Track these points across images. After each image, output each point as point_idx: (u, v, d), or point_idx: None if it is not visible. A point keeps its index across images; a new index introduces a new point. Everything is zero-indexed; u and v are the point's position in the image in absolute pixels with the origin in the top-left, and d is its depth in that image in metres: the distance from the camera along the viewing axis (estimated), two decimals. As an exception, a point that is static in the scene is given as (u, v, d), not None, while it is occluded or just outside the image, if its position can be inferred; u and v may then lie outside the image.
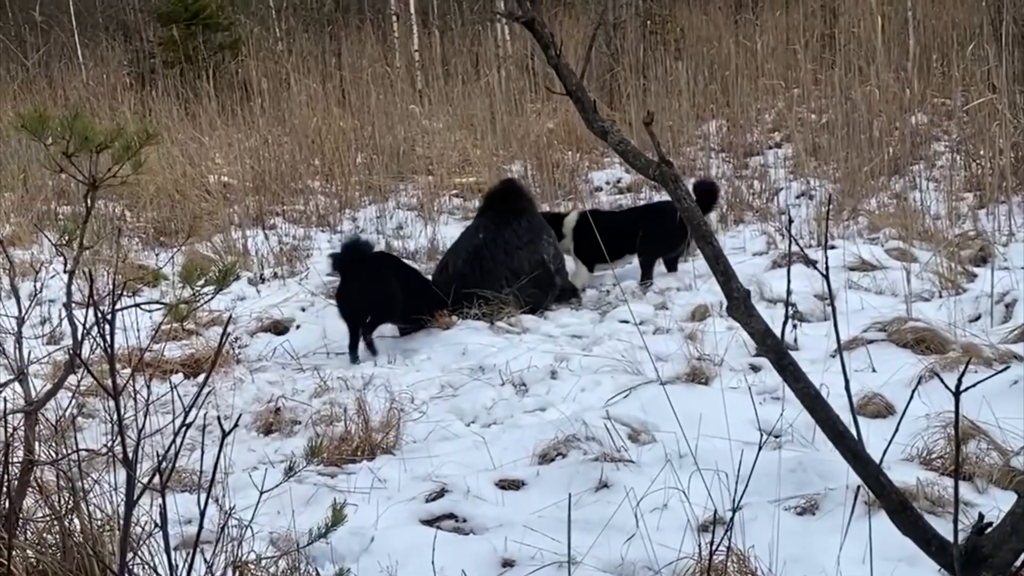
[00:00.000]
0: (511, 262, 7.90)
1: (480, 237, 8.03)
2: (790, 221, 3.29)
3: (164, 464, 2.56)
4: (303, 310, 8.24)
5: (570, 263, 8.69)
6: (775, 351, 2.57)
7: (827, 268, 2.87)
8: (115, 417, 2.81)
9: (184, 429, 2.58)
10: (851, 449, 2.48)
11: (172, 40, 16.04)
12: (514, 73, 15.29)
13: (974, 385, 2.14)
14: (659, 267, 8.61)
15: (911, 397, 2.94)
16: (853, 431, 2.56)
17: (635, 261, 8.59)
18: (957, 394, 2.08)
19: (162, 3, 16.81)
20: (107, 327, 2.69)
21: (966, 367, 2.19)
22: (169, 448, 2.57)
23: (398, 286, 7.46)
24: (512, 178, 9.19)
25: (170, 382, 5.71)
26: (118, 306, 3.09)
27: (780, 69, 14.19)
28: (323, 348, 7.46)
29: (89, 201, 3.58)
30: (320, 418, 6.00)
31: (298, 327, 7.90)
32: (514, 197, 8.25)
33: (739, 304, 2.61)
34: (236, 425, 2.96)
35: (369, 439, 5.61)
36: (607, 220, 8.54)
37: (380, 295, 7.38)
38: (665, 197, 9.68)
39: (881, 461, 2.71)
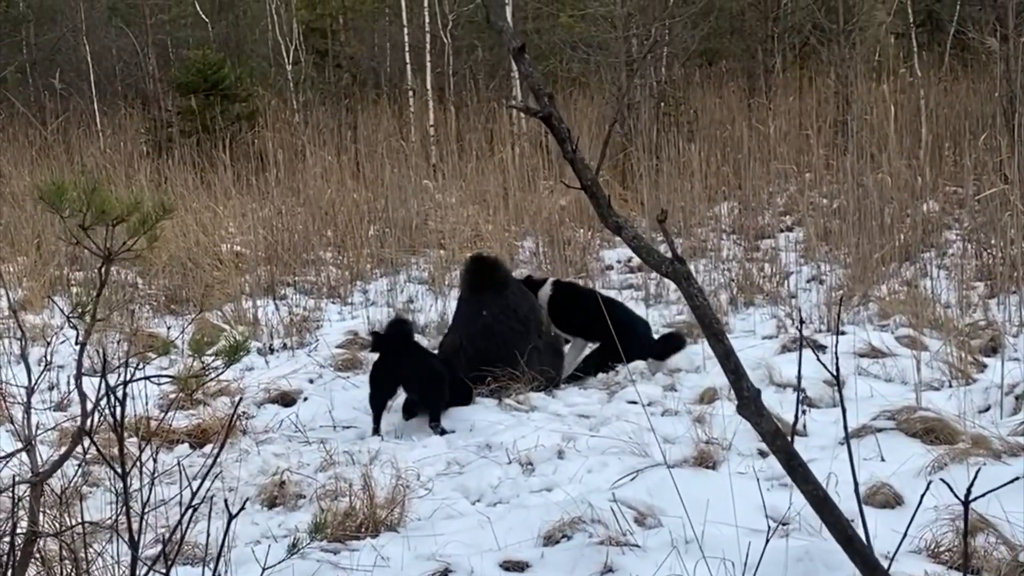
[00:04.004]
0: (528, 333, 7.88)
1: (484, 314, 7.92)
2: (801, 322, 3.29)
3: (168, 547, 2.55)
4: (311, 382, 8.23)
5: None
6: (785, 452, 2.57)
7: (836, 363, 2.86)
8: (120, 492, 2.80)
9: (192, 512, 2.58)
10: (860, 553, 2.46)
11: (190, 110, 16.26)
12: (528, 150, 15.40)
13: (984, 495, 2.12)
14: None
15: (923, 496, 2.90)
16: (861, 530, 2.54)
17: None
18: (966, 504, 2.06)
19: (181, 73, 17.05)
20: (116, 403, 2.69)
21: (975, 478, 2.18)
22: (174, 531, 2.56)
23: (439, 367, 7.43)
24: (481, 252, 9.16)
25: (177, 459, 5.69)
26: (127, 378, 3.10)
27: (792, 153, 14.27)
28: (330, 421, 7.44)
29: (103, 273, 3.60)
30: (325, 492, 5.96)
31: (306, 399, 7.88)
32: (494, 268, 8.23)
33: (749, 404, 2.61)
34: (243, 508, 2.95)
35: (374, 516, 5.57)
36: (588, 299, 8.32)
37: (427, 374, 7.37)
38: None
39: (893, 558, 2.69)
